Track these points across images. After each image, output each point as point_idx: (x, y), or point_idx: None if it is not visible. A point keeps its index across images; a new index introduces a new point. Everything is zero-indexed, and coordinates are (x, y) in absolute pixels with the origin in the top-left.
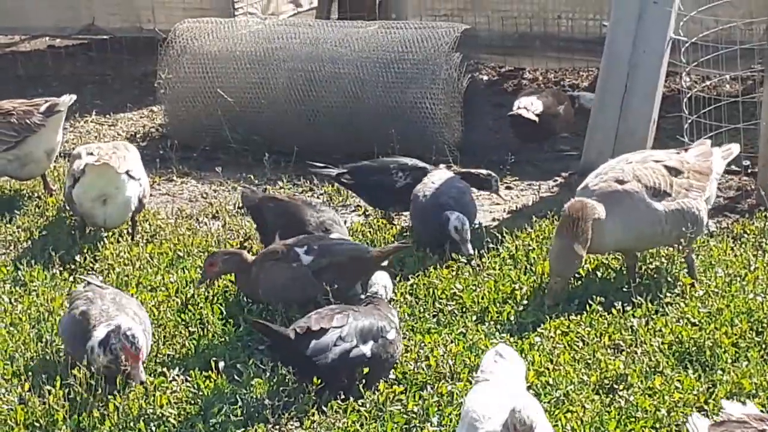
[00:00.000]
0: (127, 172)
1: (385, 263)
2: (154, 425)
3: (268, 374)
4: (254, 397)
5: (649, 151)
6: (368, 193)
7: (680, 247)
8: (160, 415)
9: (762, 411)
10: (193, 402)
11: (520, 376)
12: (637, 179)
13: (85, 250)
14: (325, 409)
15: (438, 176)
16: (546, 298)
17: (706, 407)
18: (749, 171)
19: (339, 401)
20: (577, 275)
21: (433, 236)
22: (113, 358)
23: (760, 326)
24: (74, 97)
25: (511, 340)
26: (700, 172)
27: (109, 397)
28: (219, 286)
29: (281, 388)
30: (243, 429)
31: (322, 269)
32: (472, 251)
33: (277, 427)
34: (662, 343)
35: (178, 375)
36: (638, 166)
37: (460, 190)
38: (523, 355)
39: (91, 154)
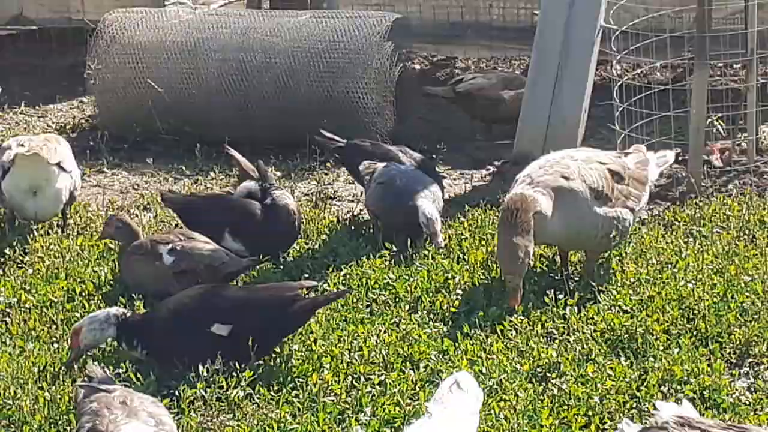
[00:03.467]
0: (58, 164)
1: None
2: None
3: (201, 366)
4: (187, 388)
5: (592, 150)
6: (351, 172)
7: (589, 256)
8: None
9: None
10: None
11: (472, 411)
12: (582, 178)
13: (15, 243)
14: (257, 400)
15: (403, 167)
16: (508, 302)
17: (638, 394)
18: (680, 159)
19: (272, 392)
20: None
21: (397, 223)
22: None
23: (691, 313)
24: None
25: (444, 329)
26: (638, 180)
27: (38, 391)
28: None
29: (213, 378)
30: (176, 421)
31: (182, 272)
32: (442, 244)
33: (210, 418)
34: (594, 330)
35: (107, 367)
36: (583, 165)
37: (429, 182)
38: (456, 344)
39: (22, 145)
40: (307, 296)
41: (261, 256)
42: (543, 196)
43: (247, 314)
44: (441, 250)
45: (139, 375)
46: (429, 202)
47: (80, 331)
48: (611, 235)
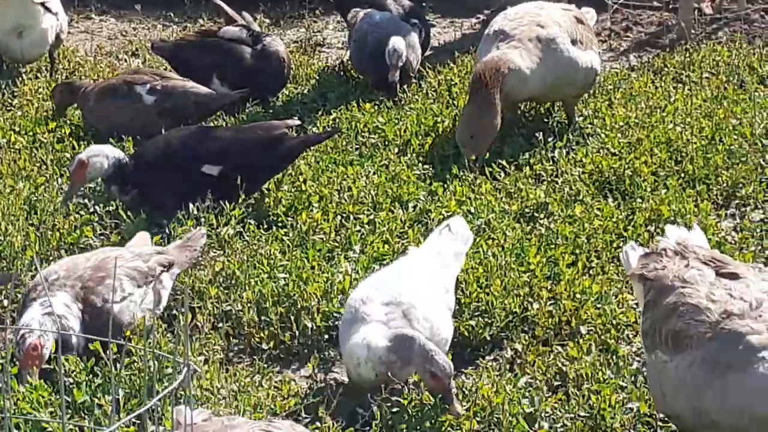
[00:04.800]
0: (42, 4)
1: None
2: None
3: (191, 204)
4: (177, 226)
5: (546, 2)
6: (342, 15)
7: (569, 101)
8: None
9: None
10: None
11: (457, 251)
12: (557, 24)
13: (3, 86)
14: (247, 237)
15: (378, 18)
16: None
17: (625, 234)
18: (671, 6)
19: (262, 230)
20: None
21: (379, 78)
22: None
23: (679, 155)
24: None
25: (433, 171)
26: (590, 27)
27: (29, 227)
28: None
29: (203, 216)
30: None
31: (165, 110)
32: (392, 79)
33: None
34: (583, 172)
35: (98, 205)
36: (552, 12)
37: (407, 29)
38: (445, 185)
39: None
40: (294, 134)
41: (251, 100)
42: (515, 50)
43: (236, 154)
44: (406, 95)
45: (129, 213)
46: (401, 40)
47: (87, 164)
48: (589, 78)
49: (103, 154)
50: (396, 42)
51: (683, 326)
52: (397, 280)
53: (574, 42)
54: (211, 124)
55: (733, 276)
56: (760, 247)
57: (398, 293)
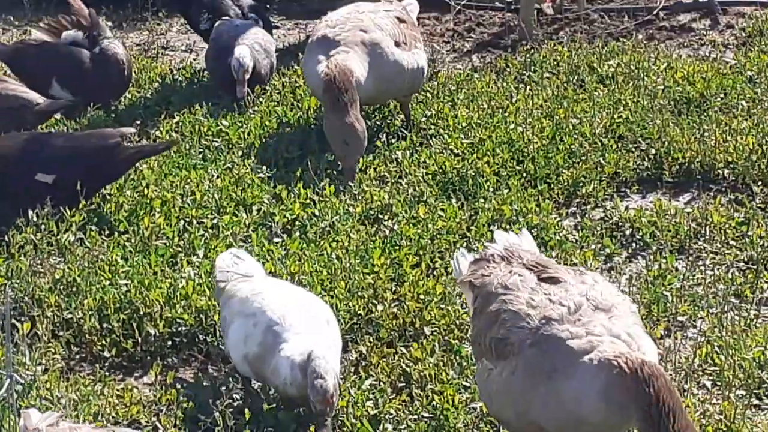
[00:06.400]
0: None
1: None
2: None
3: (30, 212)
4: (16, 234)
5: (364, 4)
6: (185, 18)
7: (402, 100)
8: None
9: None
10: None
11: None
12: (380, 28)
13: None
14: (88, 244)
15: (244, 23)
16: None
17: (468, 234)
18: (513, 7)
19: (103, 236)
20: None
21: (225, 77)
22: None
23: (520, 155)
24: None
25: (278, 173)
26: (414, 23)
27: None
28: None
29: (43, 223)
30: (5, 265)
31: None
32: (241, 95)
33: (40, 261)
34: (426, 173)
35: None
36: (374, 15)
37: (257, 35)
38: (289, 188)
39: None
40: (130, 142)
41: (92, 105)
42: (348, 56)
43: (69, 163)
44: (243, 101)
45: None
46: (246, 49)
47: None
48: (417, 78)
49: None
50: (239, 54)
51: (505, 333)
52: (296, 290)
53: (397, 44)
54: (46, 131)
55: (554, 280)
56: (600, 245)
57: (309, 302)
